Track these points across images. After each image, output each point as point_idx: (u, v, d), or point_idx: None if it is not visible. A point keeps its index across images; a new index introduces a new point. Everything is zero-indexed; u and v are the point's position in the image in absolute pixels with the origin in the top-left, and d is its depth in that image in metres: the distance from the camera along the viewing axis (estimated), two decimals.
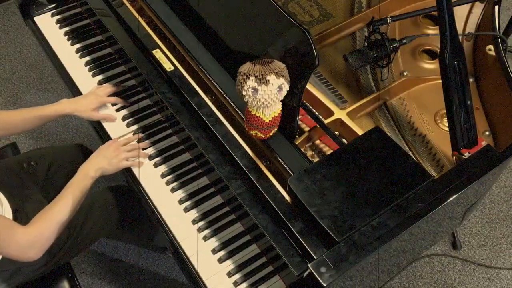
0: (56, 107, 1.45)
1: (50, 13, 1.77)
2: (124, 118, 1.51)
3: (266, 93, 1.02)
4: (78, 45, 1.69)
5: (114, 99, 1.51)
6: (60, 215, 1.24)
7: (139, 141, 1.45)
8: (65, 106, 1.45)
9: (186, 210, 1.33)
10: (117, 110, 1.52)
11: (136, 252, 2.06)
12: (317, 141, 1.29)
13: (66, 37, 1.71)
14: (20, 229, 1.19)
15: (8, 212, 1.34)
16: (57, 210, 1.25)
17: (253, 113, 1.08)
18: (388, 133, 1.28)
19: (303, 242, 1.01)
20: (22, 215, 1.37)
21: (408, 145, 1.33)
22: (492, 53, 1.41)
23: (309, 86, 1.30)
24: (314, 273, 0.95)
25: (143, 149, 1.43)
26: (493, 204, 2.20)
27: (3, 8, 3.01)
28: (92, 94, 1.49)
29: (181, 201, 1.34)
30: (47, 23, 1.75)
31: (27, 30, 2.79)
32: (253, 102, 1.04)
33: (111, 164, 1.35)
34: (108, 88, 1.52)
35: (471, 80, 1.46)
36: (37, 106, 1.46)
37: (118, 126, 1.50)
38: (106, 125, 1.50)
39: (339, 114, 1.28)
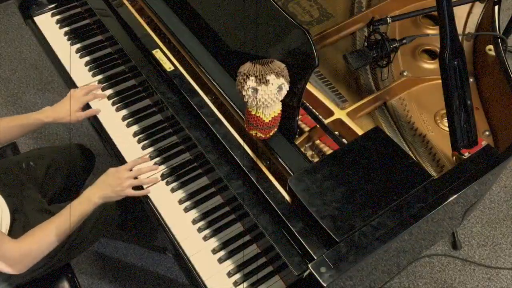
0: (39, 116, 1.44)
1: (50, 13, 1.77)
2: (124, 118, 1.51)
3: (266, 93, 1.02)
4: (78, 45, 1.69)
5: (91, 96, 1.51)
6: (54, 236, 1.24)
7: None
8: (48, 114, 1.45)
9: (186, 210, 1.33)
10: (117, 110, 1.52)
11: (136, 252, 2.06)
12: (317, 141, 1.29)
13: (66, 37, 1.71)
14: (9, 243, 1.18)
15: (6, 212, 1.34)
16: (52, 231, 1.24)
17: (253, 113, 1.08)
18: (388, 133, 1.28)
19: (303, 242, 1.01)
20: (21, 215, 1.37)
21: (408, 145, 1.33)
22: (492, 53, 1.41)
23: (309, 86, 1.30)
24: (314, 273, 0.95)
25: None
26: (493, 204, 2.20)
27: (3, 8, 3.01)
28: (71, 98, 1.49)
29: (181, 201, 1.34)
30: (47, 23, 1.75)
31: (27, 30, 2.78)
32: (253, 102, 1.04)
33: (115, 192, 1.31)
34: (83, 89, 1.51)
35: (471, 80, 1.46)
36: (26, 112, 1.44)
37: (118, 126, 1.49)
38: (106, 125, 1.50)
39: (339, 114, 1.28)
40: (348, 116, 1.28)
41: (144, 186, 1.36)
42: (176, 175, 1.38)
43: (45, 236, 1.23)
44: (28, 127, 1.45)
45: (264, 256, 1.25)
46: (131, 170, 1.34)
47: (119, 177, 1.31)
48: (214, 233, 1.29)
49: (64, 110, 1.46)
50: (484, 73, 1.45)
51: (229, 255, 1.26)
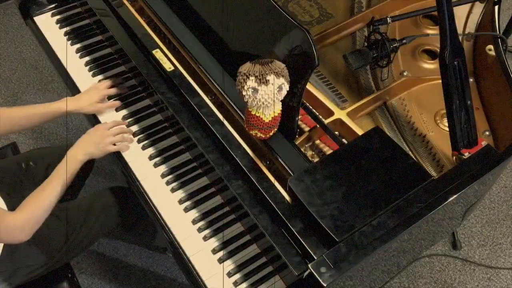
0: (60, 105, 1.45)
1: (50, 13, 1.77)
2: (124, 118, 1.50)
3: (266, 93, 1.02)
4: (78, 45, 1.69)
5: (114, 90, 1.52)
6: (49, 199, 1.27)
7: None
8: (68, 103, 1.45)
9: (186, 210, 1.33)
10: (117, 110, 1.52)
11: (136, 252, 2.06)
12: (317, 141, 1.29)
13: (66, 37, 1.71)
14: (8, 215, 1.21)
15: None
16: (46, 195, 1.27)
17: (253, 113, 1.08)
18: (388, 133, 1.28)
19: (303, 242, 1.01)
20: None
21: (408, 145, 1.33)
22: (492, 53, 1.41)
23: (309, 86, 1.30)
24: (314, 273, 0.95)
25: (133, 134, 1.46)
26: (493, 204, 2.20)
27: (3, 8, 3.01)
28: (93, 89, 1.50)
29: (181, 201, 1.34)
30: (47, 23, 1.75)
31: (27, 30, 2.79)
32: (253, 102, 1.04)
33: (98, 148, 1.36)
34: (106, 82, 1.52)
35: (471, 80, 1.46)
36: (39, 104, 1.46)
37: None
38: None
39: (339, 114, 1.28)
40: (348, 116, 1.28)
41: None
42: (176, 175, 1.38)
43: (41, 202, 1.26)
44: (49, 116, 1.46)
45: (264, 256, 1.25)
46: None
47: (101, 135, 1.38)
48: (214, 233, 1.29)
49: (86, 100, 1.47)
50: (484, 73, 1.45)
51: (229, 255, 1.26)
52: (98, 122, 1.51)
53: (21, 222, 1.21)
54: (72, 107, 1.45)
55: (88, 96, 1.48)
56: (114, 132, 1.40)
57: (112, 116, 1.51)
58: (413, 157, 1.27)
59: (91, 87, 1.51)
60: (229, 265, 1.25)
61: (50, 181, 1.30)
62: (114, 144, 1.40)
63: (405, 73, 1.47)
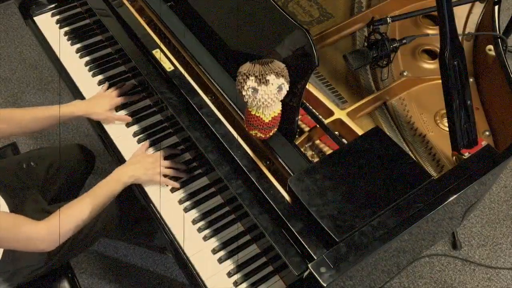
0: (71, 109, 1.43)
1: (50, 13, 1.77)
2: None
3: (266, 93, 1.02)
4: (78, 45, 1.69)
5: (125, 98, 1.50)
6: (79, 214, 1.23)
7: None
8: (80, 107, 1.43)
9: (186, 210, 1.33)
10: (117, 110, 1.52)
11: (136, 252, 2.06)
12: (317, 141, 1.29)
13: (66, 37, 1.71)
14: (27, 225, 1.17)
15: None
16: (77, 209, 1.24)
17: (253, 113, 1.08)
18: (388, 133, 1.28)
19: (303, 242, 1.01)
20: None
21: (408, 145, 1.33)
22: (492, 53, 1.41)
23: (309, 86, 1.30)
24: (314, 273, 0.95)
25: (186, 175, 1.38)
26: (493, 204, 2.20)
27: (3, 8, 3.01)
28: (105, 96, 1.48)
29: (181, 201, 1.34)
30: (47, 23, 1.75)
31: (27, 30, 2.79)
32: (253, 102, 1.04)
33: (146, 174, 1.32)
34: (118, 89, 1.51)
35: (471, 80, 1.46)
36: (48, 105, 1.43)
37: (118, 126, 1.49)
38: (106, 125, 1.50)
39: (339, 114, 1.28)
40: (348, 116, 1.28)
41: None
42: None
43: (70, 216, 1.22)
44: (57, 119, 1.43)
45: (264, 256, 1.26)
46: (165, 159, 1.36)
47: (153, 162, 1.33)
48: (214, 233, 1.29)
49: (97, 106, 1.45)
50: (484, 73, 1.45)
51: (229, 255, 1.26)
52: (99, 123, 1.51)
53: (44, 232, 1.18)
54: (84, 112, 1.44)
55: (99, 102, 1.46)
56: (167, 164, 1.35)
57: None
58: (413, 157, 1.27)
59: (102, 94, 1.49)
60: (229, 265, 1.25)
61: (85, 197, 1.26)
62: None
63: (405, 73, 1.47)
